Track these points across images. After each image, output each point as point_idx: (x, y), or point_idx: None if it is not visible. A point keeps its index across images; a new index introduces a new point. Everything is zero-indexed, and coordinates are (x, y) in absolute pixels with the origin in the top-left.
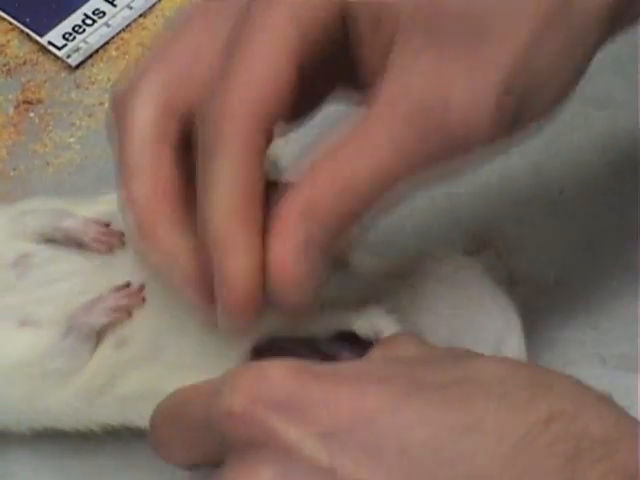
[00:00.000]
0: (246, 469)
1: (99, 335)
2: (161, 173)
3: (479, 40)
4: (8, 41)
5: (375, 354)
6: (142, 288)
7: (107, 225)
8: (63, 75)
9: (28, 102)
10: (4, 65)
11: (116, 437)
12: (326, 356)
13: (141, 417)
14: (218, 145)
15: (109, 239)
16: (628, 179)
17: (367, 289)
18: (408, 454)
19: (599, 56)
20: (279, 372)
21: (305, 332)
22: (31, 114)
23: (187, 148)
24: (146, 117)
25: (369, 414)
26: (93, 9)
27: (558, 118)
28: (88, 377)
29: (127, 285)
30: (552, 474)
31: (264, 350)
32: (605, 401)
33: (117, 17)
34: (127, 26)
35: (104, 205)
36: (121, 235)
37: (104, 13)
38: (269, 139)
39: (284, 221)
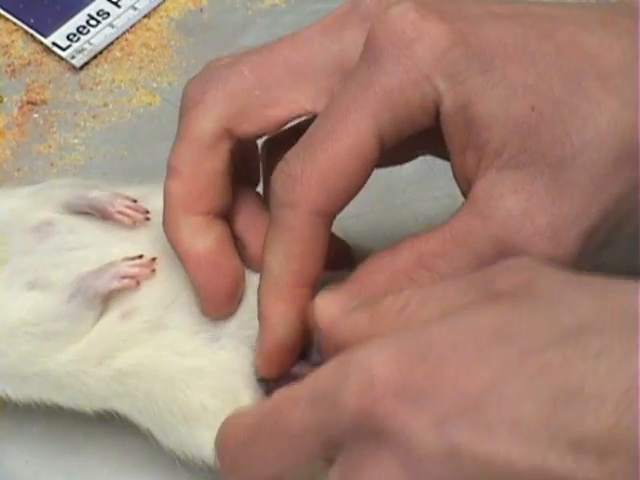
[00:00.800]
0: (369, 462)
1: (105, 304)
2: (199, 177)
3: (571, 170)
4: (12, 42)
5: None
6: (154, 260)
7: (134, 201)
8: (67, 76)
9: (32, 103)
10: (8, 66)
11: (119, 440)
12: None
13: (124, 398)
14: (287, 212)
15: (134, 213)
16: None
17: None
18: (520, 429)
19: None
20: (384, 364)
21: None
22: (35, 115)
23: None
24: (204, 129)
25: (476, 394)
26: (97, 10)
27: None
28: (89, 344)
29: (140, 257)
30: None
31: None
32: None
33: (121, 18)
34: (131, 27)
35: (135, 189)
36: (146, 212)
37: (108, 14)
38: (337, 214)
39: None
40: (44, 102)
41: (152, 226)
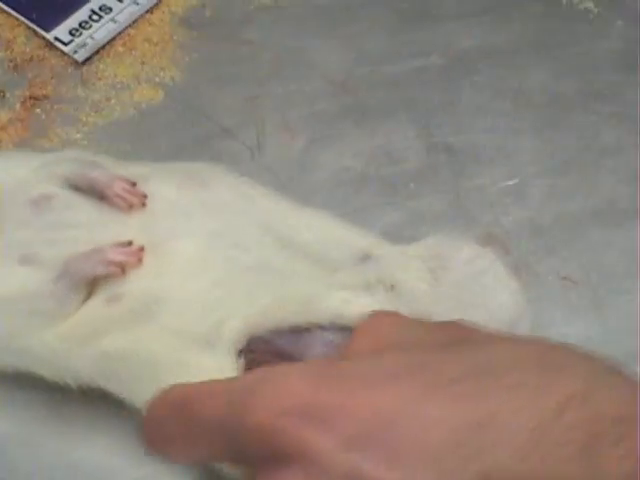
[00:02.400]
0: (273, 475)
1: (92, 287)
2: None
3: None
4: (15, 37)
5: (360, 341)
6: (142, 249)
7: (133, 184)
8: (69, 71)
9: (35, 98)
10: (10, 61)
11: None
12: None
13: (111, 379)
14: None
15: (131, 197)
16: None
17: (390, 275)
18: (429, 453)
19: None
20: (299, 381)
21: (309, 321)
22: (37, 110)
23: None
24: None
25: (388, 416)
26: (99, 5)
27: None
28: (73, 325)
29: (129, 243)
30: (569, 462)
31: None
32: (617, 374)
33: (123, 13)
34: (134, 22)
35: (139, 168)
36: (143, 196)
37: (110, 9)
38: None
39: None
40: (46, 97)
41: (148, 211)
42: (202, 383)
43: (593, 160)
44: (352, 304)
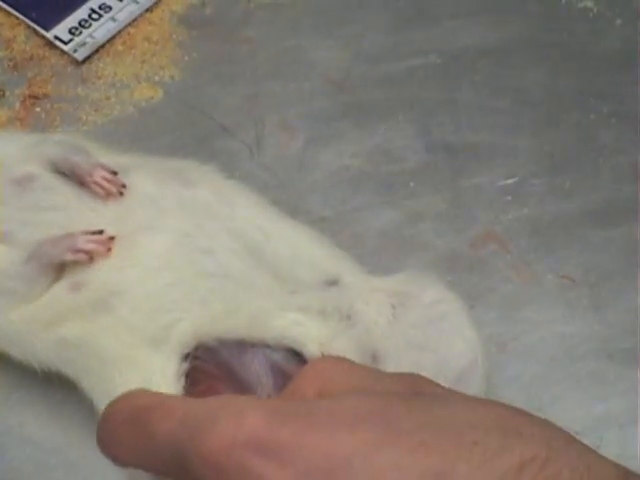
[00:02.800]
0: None
1: (59, 273)
2: None
3: None
4: (14, 36)
5: (305, 382)
6: (112, 239)
7: (114, 173)
8: (69, 70)
9: (34, 97)
10: (10, 60)
11: None
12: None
13: (68, 366)
14: None
15: (109, 186)
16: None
17: (349, 305)
18: None
19: None
20: (259, 415)
21: (256, 336)
22: (37, 109)
23: None
24: None
25: (346, 458)
26: (99, 4)
27: None
28: (37, 308)
29: (100, 232)
30: None
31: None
32: (576, 443)
33: (123, 12)
34: (133, 20)
35: (125, 158)
36: (122, 186)
37: (110, 7)
38: None
39: None
40: (46, 96)
41: (124, 202)
42: (160, 396)
43: (592, 159)
44: (302, 327)
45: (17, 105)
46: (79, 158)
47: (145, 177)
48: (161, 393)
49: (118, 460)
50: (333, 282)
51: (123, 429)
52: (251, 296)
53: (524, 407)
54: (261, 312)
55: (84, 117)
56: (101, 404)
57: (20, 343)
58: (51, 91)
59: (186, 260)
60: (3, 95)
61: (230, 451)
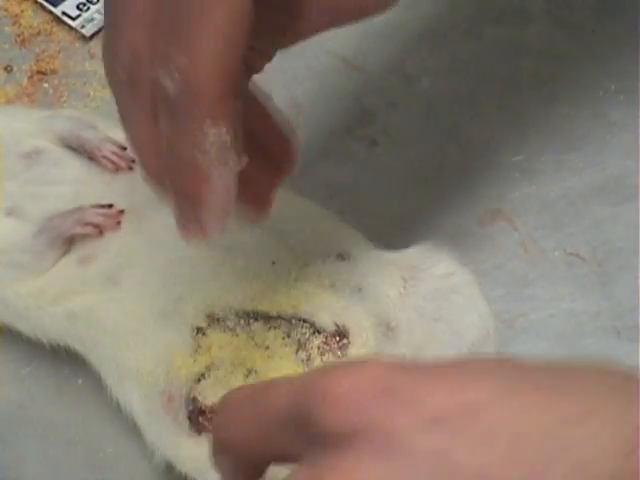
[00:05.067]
0: (346, 462)
1: (68, 246)
2: None
3: None
4: (22, 11)
5: None
6: (122, 212)
7: (123, 149)
8: (77, 45)
9: (42, 72)
10: (18, 35)
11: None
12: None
13: (76, 340)
14: None
15: (118, 161)
16: None
17: (360, 278)
18: (519, 444)
19: None
20: (377, 365)
21: (272, 308)
22: (45, 84)
23: None
24: None
25: (475, 406)
26: None
27: None
28: (46, 282)
29: (109, 206)
30: None
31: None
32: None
33: None
34: None
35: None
36: (131, 161)
37: None
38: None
39: None
40: (54, 72)
41: (132, 176)
42: (268, 380)
43: (600, 136)
44: (314, 298)
45: (25, 81)
46: (88, 133)
47: None
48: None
49: (232, 446)
50: (343, 256)
51: (242, 409)
52: (261, 268)
53: None
54: (272, 284)
55: (92, 93)
56: (109, 378)
57: (29, 317)
58: (59, 67)
59: None
60: (11, 70)
61: (355, 396)
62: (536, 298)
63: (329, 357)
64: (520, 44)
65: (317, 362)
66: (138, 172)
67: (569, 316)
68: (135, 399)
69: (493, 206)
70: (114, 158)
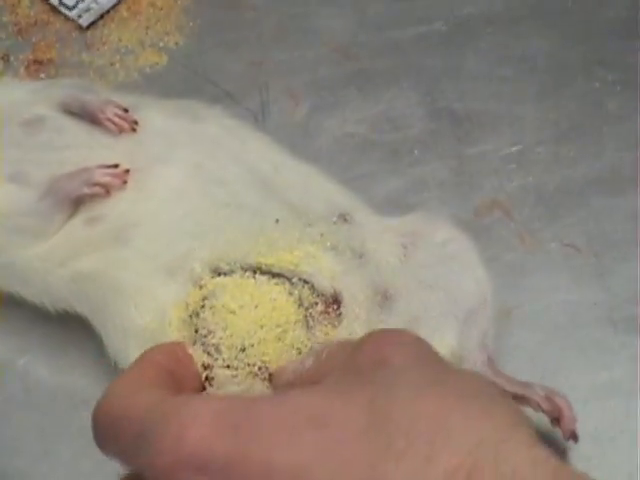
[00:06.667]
0: None
1: (74, 208)
2: None
3: None
4: (19, 1)
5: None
6: (127, 172)
7: (125, 110)
8: (74, 35)
9: (39, 62)
10: (15, 25)
11: None
12: None
13: (82, 301)
14: None
15: (121, 122)
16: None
17: (361, 243)
18: None
19: None
20: (201, 425)
21: (275, 264)
22: (42, 74)
23: None
24: None
25: (284, 473)
26: None
27: None
28: (53, 245)
29: (115, 166)
30: None
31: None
32: (512, 438)
33: None
34: None
35: (133, 98)
36: (134, 122)
37: None
38: None
39: None
40: (50, 61)
41: (136, 138)
42: (131, 399)
43: (596, 127)
44: (315, 260)
45: (21, 70)
46: (90, 96)
47: (155, 113)
48: (132, 396)
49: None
50: (345, 217)
51: (111, 426)
52: (267, 225)
53: (528, 375)
54: (276, 242)
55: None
56: (112, 339)
57: (35, 281)
58: (55, 57)
59: (200, 191)
60: (7, 60)
61: (174, 471)
62: (532, 289)
63: (327, 326)
64: (519, 38)
65: (318, 328)
66: (141, 133)
67: (565, 307)
68: (136, 356)
69: (489, 197)
70: (117, 120)
